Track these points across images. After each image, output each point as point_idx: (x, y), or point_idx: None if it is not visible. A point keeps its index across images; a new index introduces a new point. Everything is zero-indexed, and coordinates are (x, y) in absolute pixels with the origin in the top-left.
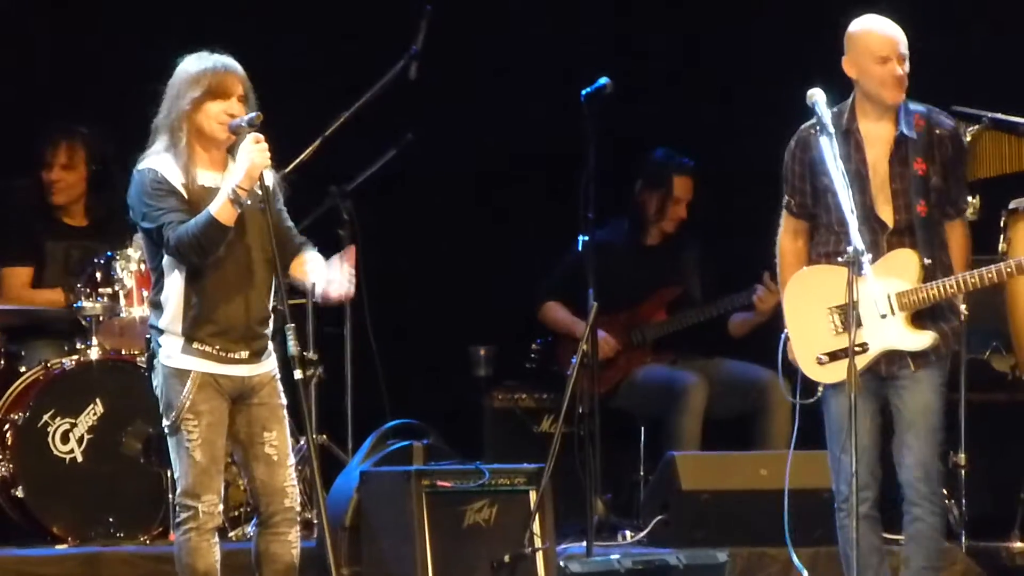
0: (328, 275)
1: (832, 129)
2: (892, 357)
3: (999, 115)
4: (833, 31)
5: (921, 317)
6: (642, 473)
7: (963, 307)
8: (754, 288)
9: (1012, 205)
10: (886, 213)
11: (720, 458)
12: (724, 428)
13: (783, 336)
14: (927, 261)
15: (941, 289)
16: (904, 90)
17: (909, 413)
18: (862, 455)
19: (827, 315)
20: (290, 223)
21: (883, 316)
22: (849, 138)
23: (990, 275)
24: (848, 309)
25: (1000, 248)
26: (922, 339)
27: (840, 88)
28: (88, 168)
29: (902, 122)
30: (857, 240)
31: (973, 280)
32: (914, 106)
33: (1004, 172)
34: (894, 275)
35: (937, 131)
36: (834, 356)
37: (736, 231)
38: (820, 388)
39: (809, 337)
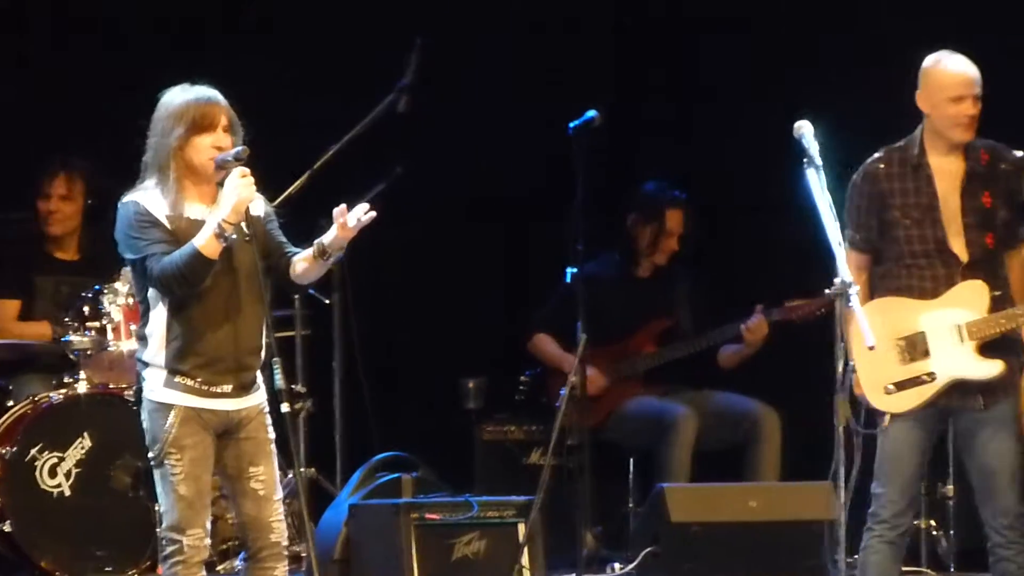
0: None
1: (819, 162)
2: (963, 391)
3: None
4: (824, 63)
5: (989, 349)
6: (632, 505)
7: None
8: (744, 320)
9: None
10: (959, 247)
11: (710, 490)
12: (714, 460)
13: (849, 367)
14: (996, 292)
15: (1011, 318)
16: (974, 130)
17: (992, 461)
18: (907, 485)
19: (894, 346)
20: (283, 239)
21: (952, 345)
22: (920, 172)
23: None
24: (836, 341)
25: None
26: (991, 368)
27: (828, 119)
28: (85, 201)
29: (970, 156)
30: (844, 272)
31: None
32: (978, 140)
33: None
34: (963, 305)
35: (1003, 165)
36: (901, 386)
37: (726, 264)
38: (887, 417)
39: (876, 367)
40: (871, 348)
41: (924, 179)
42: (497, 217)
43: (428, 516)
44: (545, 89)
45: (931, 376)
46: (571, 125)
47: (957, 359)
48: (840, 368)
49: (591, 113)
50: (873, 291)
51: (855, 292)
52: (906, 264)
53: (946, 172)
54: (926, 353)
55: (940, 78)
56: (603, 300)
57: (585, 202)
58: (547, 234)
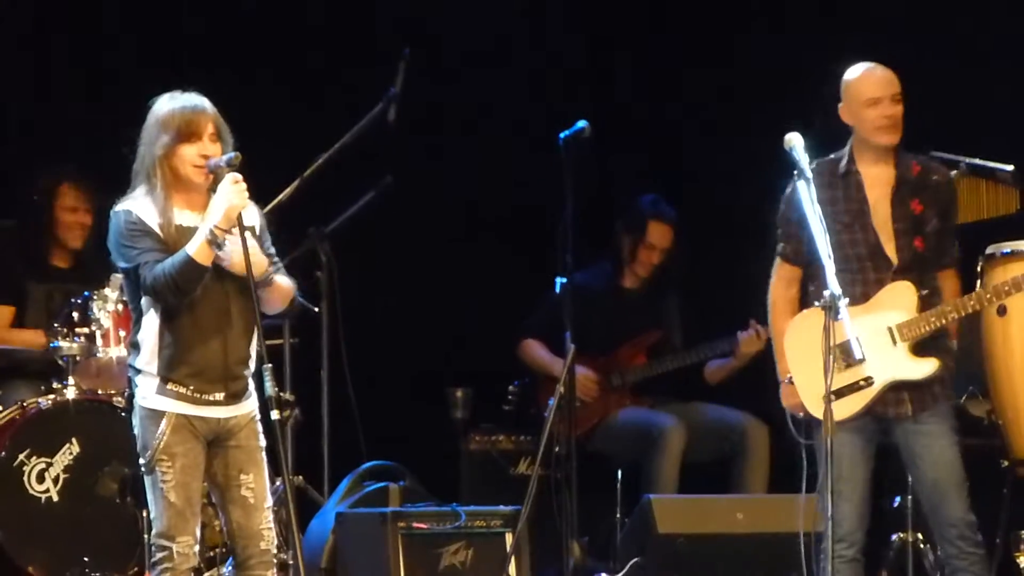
0: None
1: (810, 174)
2: (895, 398)
3: (976, 160)
4: (819, 78)
5: (923, 350)
6: (619, 516)
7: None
8: (736, 334)
9: (989, 250)
10: (890, 250)
11: (697, 502)
12: (701, 472)
13: (787, 381)
14: (923, 291)
15: (940, 315)
16: (899, 131)
17: (936, 472)
18: (858, 498)
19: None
20: (271, 251)
21: (886, 348)
22: (849, 179)
23: (988, 296)
24: (826, 354)
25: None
26: (926, 367)
27: (819, 134)
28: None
29: (900, 165)
30: (834, 285)
31: (972, 303)
32: (910, 155)
33: (981, 218)
34: (892, 308)
35: (934, 177)
36: (840, 393)
37: (717, 280)
38: None
39: (813, 378)
40: (861, 361)
41: (853, 186)
42: (486, 226)
43: (415, 525)
44: (530, 96)
45: (868, 381)
46: (561, 135)
47: (892, 361)
48: (829, 379)
49: (581, 123)
50: (805, 305)
51: (844, 304)
52: (837, 271)
53: (876, 180)
54: (862, 358)
55: (857, 86)
56: (592, 310)
57: (574, 212)
58: (537, 242)
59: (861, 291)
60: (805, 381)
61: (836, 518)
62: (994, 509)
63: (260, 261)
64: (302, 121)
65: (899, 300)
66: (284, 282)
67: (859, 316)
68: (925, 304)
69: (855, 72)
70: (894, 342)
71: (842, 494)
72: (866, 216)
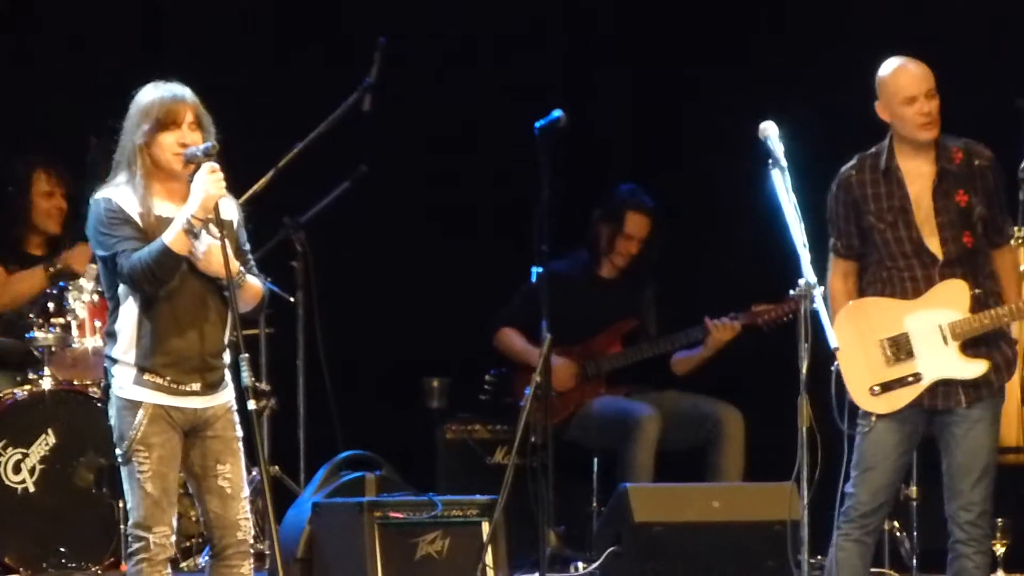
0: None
1: (785, 163)
2: (946, 391)
3: None
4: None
5: (975, 346)
6: (595, 505)
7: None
8: (706, 322)
9: None
10: (934, 246)
11: (673, 490)
12: (677, 460)
13: (835, 369)
14: (976, 290)
15: (995, 318)
16: (936, 127)
17: (964, 456)
18: (879, 487)
19: (879, 347)
20: (246, 247)
21: (936, 346)
22: (890, 175)
23: None
24: (800, 341)
25: None
26: (976, 367)
27: (797, 125)
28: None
29: (941, 156)
30: (808, 273)
31: None
32: (951, 140)
33: None
34: (945, 305)
35: (977, 162)
36: (887, 387)
37: (691, 269)
38: (873, 418)
39: (861, 368)
40: (835, 350)
41: (895, 182)
42: (462, 215)
43: (392, 515)
44: (505, 86)
45: (916, 377)
46: (537, 125)
47: (942, 360)
48: (804, 368)
49: (557, 113)
50: (861, 296)
51: (819, 293)
52: (886, 267)
53: (917, 174)
54: (911, 354)
55: (890, 84)
56: (569, 299)
57: (549, 202)
58: (515, 232)
59: (911, 287)
60: (851, 371)
61: (852, 501)
62: None
63: (232, 263)
64: (278, 109)
65: (952, 298)
66: (254, 282)
67: (911, 312)
68: (978, 304)
69: (889, 68)
70: (945, 341)
71: (867, 480)
72: (908, 213)
